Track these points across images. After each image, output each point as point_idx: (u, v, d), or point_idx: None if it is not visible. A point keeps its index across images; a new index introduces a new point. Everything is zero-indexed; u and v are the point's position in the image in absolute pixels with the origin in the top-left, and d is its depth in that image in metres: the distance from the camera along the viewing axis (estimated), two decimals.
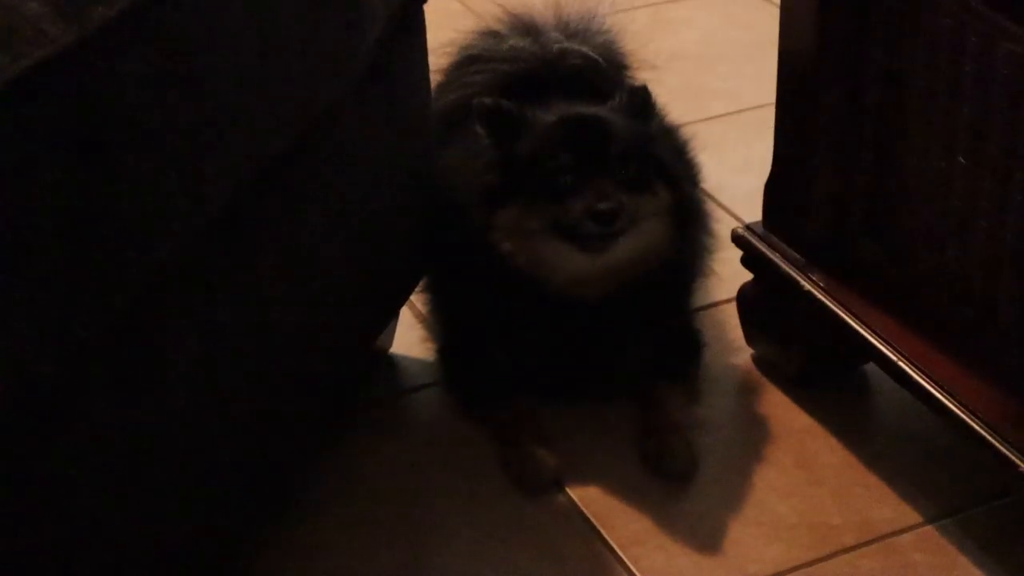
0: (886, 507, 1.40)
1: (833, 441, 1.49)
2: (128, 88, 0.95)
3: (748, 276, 1.56)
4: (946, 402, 1.30)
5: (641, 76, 1.67)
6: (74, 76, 0.91)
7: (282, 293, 1.22)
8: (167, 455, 1.09)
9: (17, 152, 0.88)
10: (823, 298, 1.44)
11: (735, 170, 1.83)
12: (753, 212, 1.55)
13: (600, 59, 1.66)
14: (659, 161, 1.48)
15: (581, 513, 1.41)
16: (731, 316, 1.62)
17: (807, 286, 1.45)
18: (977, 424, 1.27)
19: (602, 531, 1.39)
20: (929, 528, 1.38)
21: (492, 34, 1.69)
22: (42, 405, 0.95)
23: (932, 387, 1.32)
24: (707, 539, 1.37)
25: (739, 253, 1.56)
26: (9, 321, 0.89)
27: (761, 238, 1.52)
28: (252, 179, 1.13)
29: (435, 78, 1.58)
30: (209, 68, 1.04)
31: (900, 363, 1.35)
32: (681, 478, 1.44)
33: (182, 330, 1.09)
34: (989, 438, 1.25)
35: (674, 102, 1.66)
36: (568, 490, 1.44)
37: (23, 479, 0.96)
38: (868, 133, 1.40)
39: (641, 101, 1.49)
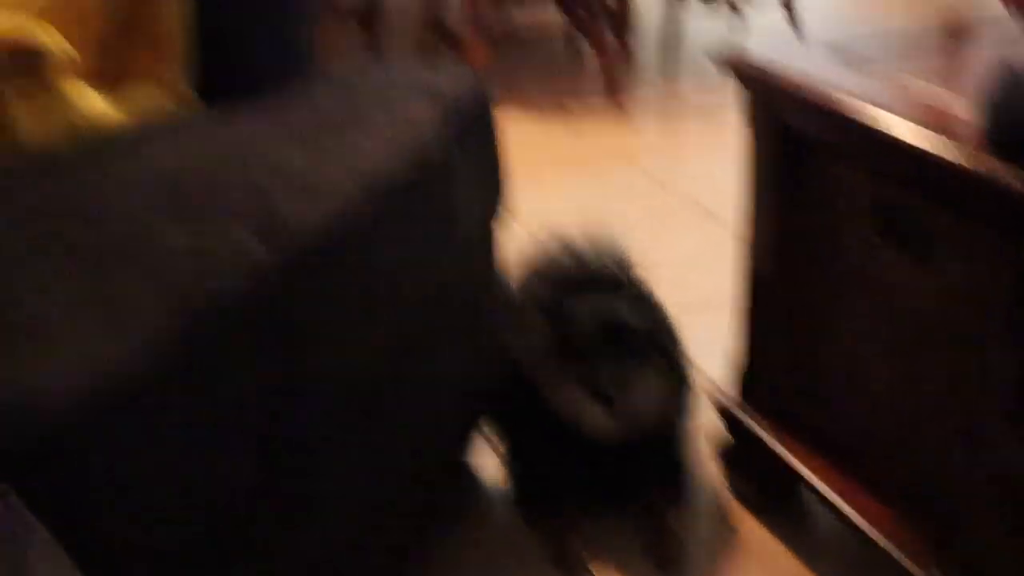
0: None
1: (783, 548, 1.45)
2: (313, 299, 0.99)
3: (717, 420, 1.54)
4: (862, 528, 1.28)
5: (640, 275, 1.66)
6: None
7: None
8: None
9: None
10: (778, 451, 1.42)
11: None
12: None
13: (615, 266, 1.65)
14: (659, 342, 1.48)
15: None
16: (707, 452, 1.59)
17: (770, 445, 1.43)
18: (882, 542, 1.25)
19: None
20: None
21: (546, 255, 1.69)
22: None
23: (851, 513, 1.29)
24: None
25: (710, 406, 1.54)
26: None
27: (740, 407, 1.50)
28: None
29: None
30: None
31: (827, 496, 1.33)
32: (675, 575, 1.42)
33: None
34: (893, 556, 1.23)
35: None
36: None
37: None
38: (802, 336, 1.41)
39: (644, 293, 1.51)
